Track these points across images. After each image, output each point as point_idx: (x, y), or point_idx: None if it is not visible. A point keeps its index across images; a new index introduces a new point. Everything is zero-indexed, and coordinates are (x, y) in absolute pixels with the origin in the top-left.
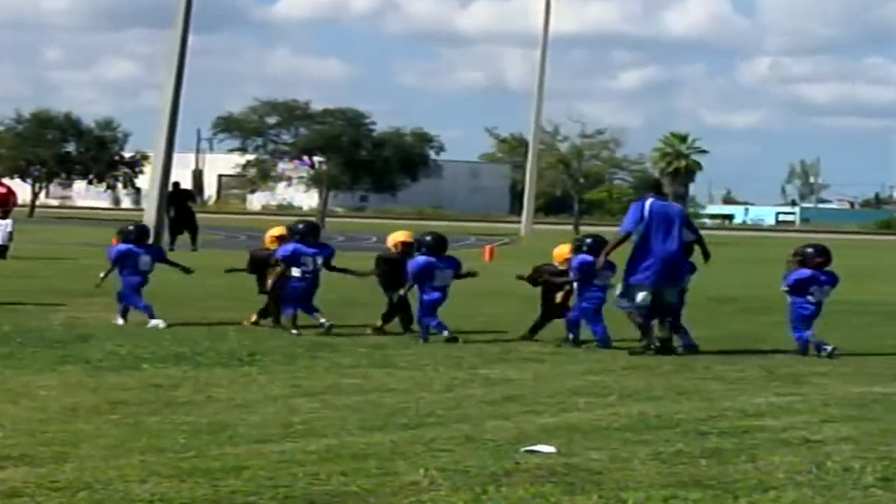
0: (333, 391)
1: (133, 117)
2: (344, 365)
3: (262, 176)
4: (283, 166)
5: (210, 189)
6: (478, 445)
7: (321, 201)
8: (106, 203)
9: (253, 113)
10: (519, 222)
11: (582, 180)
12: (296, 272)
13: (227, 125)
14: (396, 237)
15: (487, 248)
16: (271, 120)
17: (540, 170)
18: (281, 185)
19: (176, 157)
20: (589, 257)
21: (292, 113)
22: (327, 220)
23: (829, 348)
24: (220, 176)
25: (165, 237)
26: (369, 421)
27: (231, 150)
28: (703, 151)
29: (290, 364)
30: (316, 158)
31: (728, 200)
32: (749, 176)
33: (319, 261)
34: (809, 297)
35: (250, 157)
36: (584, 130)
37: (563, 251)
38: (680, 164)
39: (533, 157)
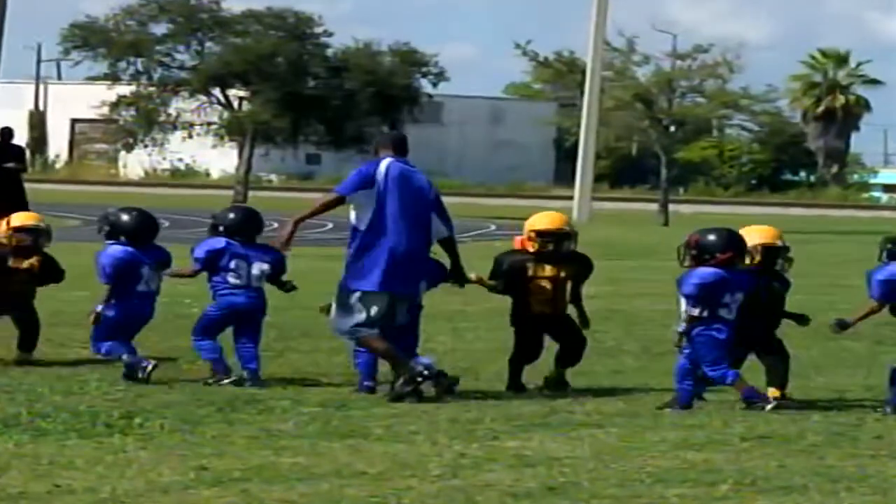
0: (263, 476)
1: None
2: (280, 434)
3: (146, 121)
4: (180, 105)
5: (58, 142)
6: None
7: (242, 163)
8: None
9: (128, 17)
10: (570, 198)
11: (673, 128)
12: None
13: (86, 37)
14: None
15: (518, 240)
16: (158, 29)
17: (604, 112)
18: (176, 137)
19: (1, 89)
20: (219, 241)
21: (193, 17)
22: (253, 194)
23: (769, 404)
24: (73, 121)
25: None
26: None
27: (92, 79)
28: (875, 82)
29: (192, 432)
30: (233, 93)
31: None
32: None
33: None
34: (723, 312)
35: (124, 89)
36: (677, 47)
37: None
38: (835, 103)
39: (593, 91)
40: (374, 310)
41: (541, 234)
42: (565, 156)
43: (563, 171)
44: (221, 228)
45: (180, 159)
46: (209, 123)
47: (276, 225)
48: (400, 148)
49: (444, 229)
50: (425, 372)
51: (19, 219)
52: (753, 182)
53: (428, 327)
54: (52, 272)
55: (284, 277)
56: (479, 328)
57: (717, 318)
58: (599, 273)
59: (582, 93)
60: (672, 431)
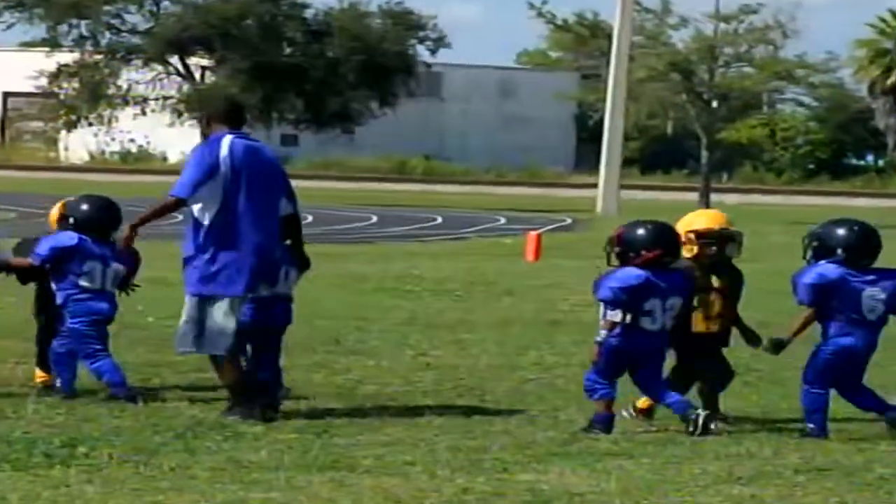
0: None
1: None
2: (250, 465)
3: (91, 95)
4: (132, 76)
5: None
6: None
7: None
8: None
9: None
10: (594, 185)
11: (716, 103)
12: None
13: None
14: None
15: (531, 235)
16: None
17: (634, 84)
18: (127, 114)
19: None
20: (71, 237)
21: None
22: None
23: (699, 415)
24: (5, 95)
25: None
26: None
27: (27, 45)
28: None
29: (146, 463)
30: (194, 62)
31: None
32: None
33: None
34: (645, 322)
35: (65, 57)
36: (720, 7)
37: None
38: None
39: (621, 60)
40: (221, 317)
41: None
42: (588, 136)
43: (586, 154)
44: (72, 221)
45: (132, 140)
46: (166, 98)
47: None
48: (236, 119)
49: (289, 205)
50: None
51: None
52: (811, 167)
53: (426, 339)
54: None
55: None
56: (486, 341)
57: (635, 328)
58: None
59: (608, 62)
60: (714, 462)
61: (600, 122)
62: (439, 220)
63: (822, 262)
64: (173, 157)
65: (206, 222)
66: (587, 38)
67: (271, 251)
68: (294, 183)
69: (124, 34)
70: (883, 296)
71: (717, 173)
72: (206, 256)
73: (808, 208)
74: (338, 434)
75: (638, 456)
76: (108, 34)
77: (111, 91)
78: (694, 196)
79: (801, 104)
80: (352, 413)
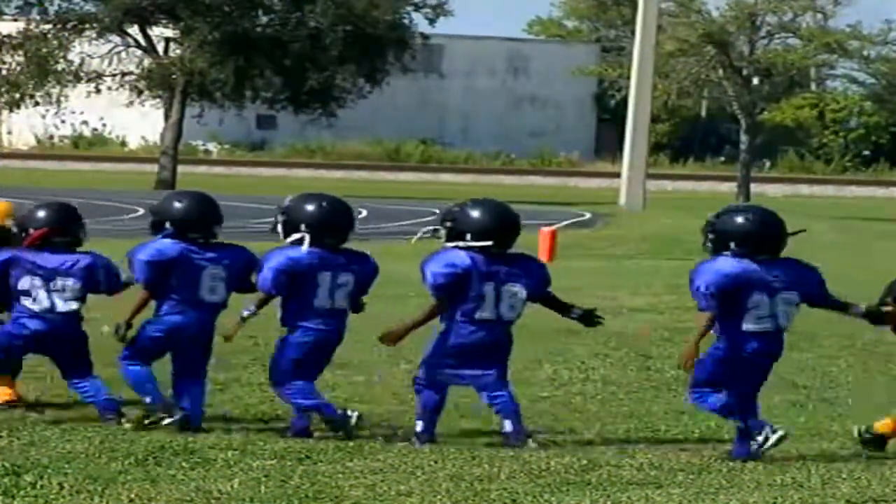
0: None
1: None
2: (221, 496)
3: (38, 70)
4: (85, 49)
5: None
6: None
7: (168, 127)
8: None
9: None
10: (616, 175)
11: (757, 80)
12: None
13: None
14: None
15: (545, 232)
16: None
17: (663, 58)
18: (80, 91)
19: None
20: None
21: None
22: (185, 169)
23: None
24: None
25: None
26: None
27: None
28: None
29: (102, 494)
30: (157, 32)
31: None
32: None
33: None
34: (25, 301)
35: (8, 26)
36: None
37: None
38: None
39: (647, 31)
40: None
41: None
42: (610, 118)
43: (607, 138)
44: None
45: (85, 122)
46: (124, 74)
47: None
48: None
49: None
50: None
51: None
52: (866, 154)
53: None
54: None
55: None
56: None
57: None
58: (657, 278)
59: (632, 32)
60: (755, 493)
61: (624, 102)
62: (439, 214)
63: (159, 238)
64: (133, 142)
65: None
66: (608, 4)
67: None
68: (271, 171)
69: (76, 0)
70: (224, 274)
71: (758, 161)
72: None
73: (863, 201)
74: (322, 460)
75: (667, 485)
76: (57, 1)
77: (61, 66)
78: (731, 187)
79: (854, 81)
80: (338, 436)
